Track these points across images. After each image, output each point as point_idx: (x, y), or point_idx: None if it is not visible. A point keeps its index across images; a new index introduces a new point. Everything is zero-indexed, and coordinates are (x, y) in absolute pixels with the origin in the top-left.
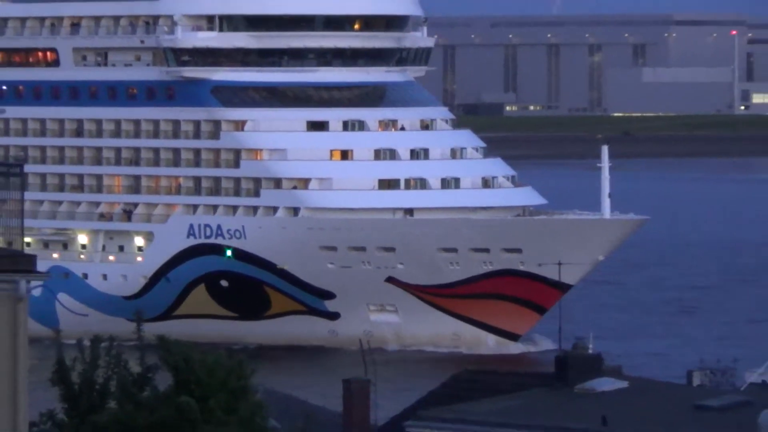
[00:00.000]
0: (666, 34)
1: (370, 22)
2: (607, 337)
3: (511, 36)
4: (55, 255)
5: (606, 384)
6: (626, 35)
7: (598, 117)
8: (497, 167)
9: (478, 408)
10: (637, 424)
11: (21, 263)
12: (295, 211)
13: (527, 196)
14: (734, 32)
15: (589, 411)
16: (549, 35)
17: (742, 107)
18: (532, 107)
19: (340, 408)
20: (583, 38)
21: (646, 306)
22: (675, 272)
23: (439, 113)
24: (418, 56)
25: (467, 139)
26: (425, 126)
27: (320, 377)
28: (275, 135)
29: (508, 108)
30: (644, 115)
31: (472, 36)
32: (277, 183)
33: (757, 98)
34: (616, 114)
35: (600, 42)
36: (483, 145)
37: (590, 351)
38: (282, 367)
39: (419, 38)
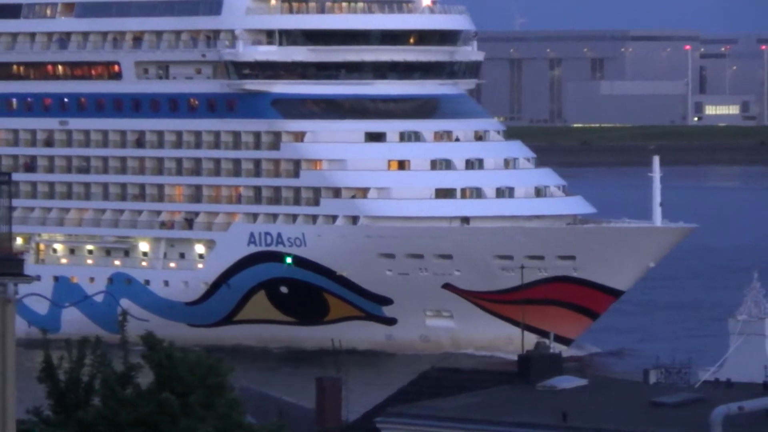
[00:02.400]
0: (623, 49)
1: (425, 37)
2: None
3: None
4: (116, 262)
5: (566, 381)
6: (585, 50)
7: (558, 128)
8: (549, 177)
9: (444, 404)
10: (596, 419)
11: (9, 267)
12: (354, 219)
13: (578, 205)
14: (688, 47)
15: (549, 407)
16: (511, 50)
17: (696, 118)
18: (495, 118)
19: (313, 405)
20: (544, 53)
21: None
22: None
23: (491, 125)
24: (469, 69)
25: (519, 149)
26: (479, 137)
27: (294, 376)
28: (334, 146)
29: None
30: (602, 125)
31: None
32: (336, 192)
33: (710, 110)
34: (575, 125)
35: (560, 56)
36: (533, 155)
37: (551, 350)
38: (258, 366)
39: (470, 52)
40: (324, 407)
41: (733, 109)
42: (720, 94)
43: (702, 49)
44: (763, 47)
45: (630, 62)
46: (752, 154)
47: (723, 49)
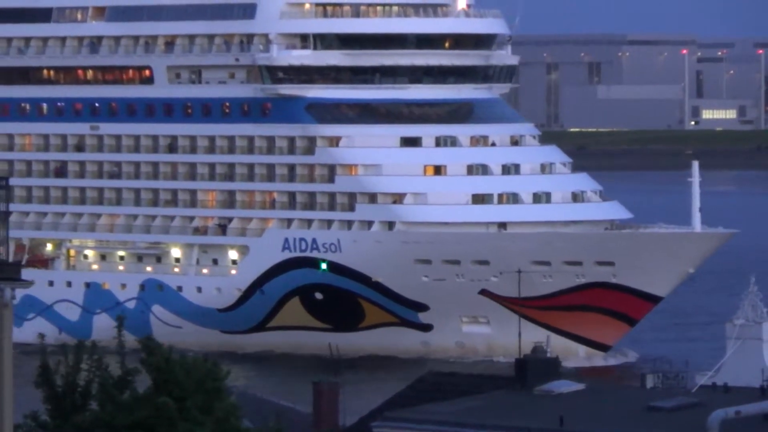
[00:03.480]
0: (619, 54)
1: (460, 41)
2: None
3: None
4: (148, 268)
5: (563, 386)
6: (582, 55)
7: (555, 132)
8: (585, 182)
9: (441, 409)
10: (593, 424)
11: (6, 271)
12: (390, 225)
13: (615, 210)
14: (684, 51)
15: (546, 412)
16: None
17: (693, 123)
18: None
19: (310, 409)
20: (541, 57)
21: None
22: None
23: (526, 129)
24: (504, 74)
25: (555, 154)
26: (514, 142)
27: (292, 380)
28: (370, 151)
29: None
30: (599, 130)
31: None
32: (372, 197)
33: (707, 114)
34: (572, 129)
35: (557, 61)
36: (569, 160)
37: (548, 354)
38: (256, 370)
39: (505, 56)
40: (321, 411)
41: (730, 114)
42: (717, 98)
43: (699, 54)
44: (760, 51)
45: (627, 66)
46: (749, 158)
47: (720, 53)
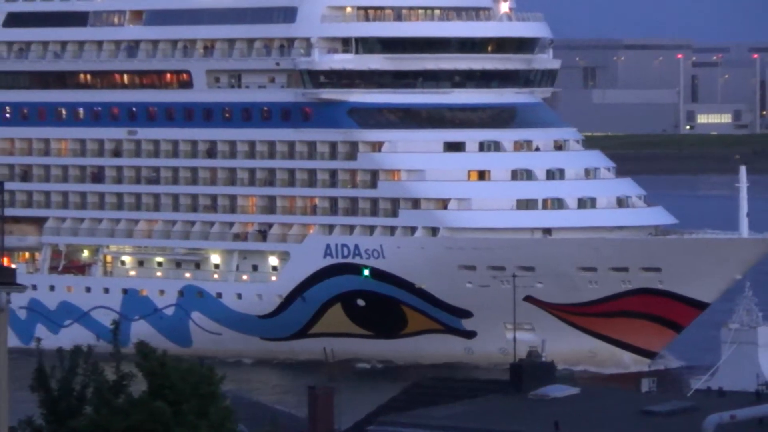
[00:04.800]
0: (615, 58)
1: (503, 45)
2: None
3: None
4: (187, 274)
5: (558, 390)
6: (577, 59)
7: None
8: (629, 187)
9: (436, 413)
10: (588, 428)
11: (0, 275)
12: (434, 230)
13: (660, 216)
14: (680, 56)
15: (541, 416)
16: None
17: (688, 127)
18: None
19: (306, 414)
20: None
21: None
22: None
23: (570, 134)
24: (545, 78)
25: (599, 159)
26: (558, 146)
27: (287, 385)
28: (413, 156)
29: None
30: (594, 134)
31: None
32: (416, 203)
33: (702, 118)
34: None
35: None
36: (613, 165)
37: (543, 359)
38: (250, 375)
39: (547, 60)
40: (316, 416)
41: (725, 118)
42: (712, 102)
43: (694, 58)
44: (755, 56)
45: (622, 71)
46: (744, 162)
47: (715, 57)
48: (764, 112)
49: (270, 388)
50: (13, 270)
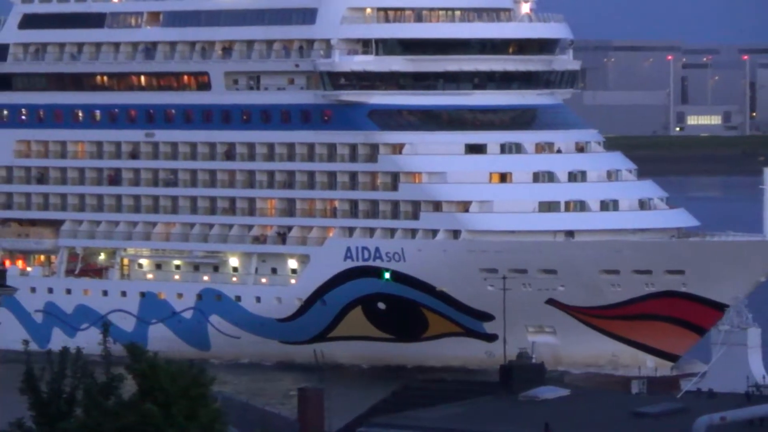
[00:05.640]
0: (605, 60)
1: (525, 46)
2: None
3: None
4: (205, 277)
5: (548, 392)
6: None
7: None
8: (651, 189)
9: (426, 415)
10: (578, 429)
11: None
12: (456, 233)
13: (682, 218)
14: (670, 57)
15: (532, 417)
16: None
17: (678, 128)
18: None
19: (296, 415)
20: None
21: None
22: None
23: (591, 136)
24: (566, 79)
25: (620, 161)
26: (580, 148)
27: (278, 386)
28: (434, 158)
29: None
30: None
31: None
32: (437, 206)
33: (692, 120)
34: None
35: None
36: (635, 167)
37: (533, 361)
38: (241, 376)
39: (567, 61)
40: (306, 417)
41: (715, 120)
42: (702, 104)
43: (684, 60)
44: (745, 57)
45: (612, 72)
46: (734, 164)
47: (705, 59)
48: (754, 114)
49: (260, 389)
50: (3, 272)
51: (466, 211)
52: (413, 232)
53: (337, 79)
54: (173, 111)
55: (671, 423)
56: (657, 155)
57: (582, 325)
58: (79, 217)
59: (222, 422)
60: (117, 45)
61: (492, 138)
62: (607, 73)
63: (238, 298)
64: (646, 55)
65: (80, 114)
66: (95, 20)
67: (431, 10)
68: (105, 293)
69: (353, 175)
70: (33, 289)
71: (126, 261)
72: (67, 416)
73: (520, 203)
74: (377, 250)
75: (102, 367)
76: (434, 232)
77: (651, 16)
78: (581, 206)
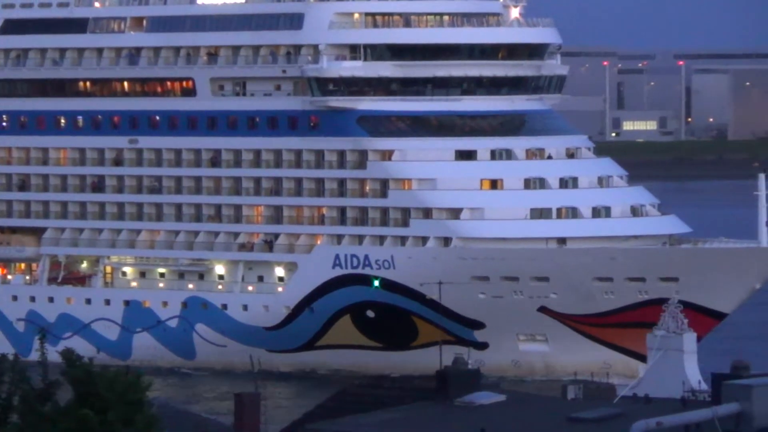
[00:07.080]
0: None
1: (514, 51)
2: None
3: None
4: (190, 285)
5: (484, 397)
6: None
7: None
8: (643, 195)
9: (362, 420)
10: None
11: None
12: (446, 240)
13: (674, 225)
14: (605, 63)
15: (467, 423)
16: None
17: (614, 134)
18: None
19: (232, 420)
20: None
21: None
22: None
23: (581, 141)
24: (554, 84)
25: (611, 167)
26: (570, 154)
27: (213, 391)
28: (424, 164)
29: None
30: None
31: None
32: (427, 213)
33: (627, 125)
34: None
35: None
36: (626, 173)
37: (469, 366)
38: (177, 382)
39: (555, 66)
40: (242, 423)
41: (651, 125)
42: (638, 109)
43: (619, 65)
44: (681, 63)
45: None
46: (670, 169)
47: (640, 65)
48: (689, 119)
49: (196, 395)
50: None
51: (457, 218)
52: (403, 240)
53: (325, 85)
54: (158, 117)
55: (607, 428)
56: None
57: (574, 333)
58: (61, 224)
59: (158, 428)
60: (100, 50)
61: (482, 144)
62: None
63: (225, 306)
64: (582, 60)
65: (63, 120)
66: (78, 26)
67: (420, 15)
68: (88, 301)
69: (342, 182)
70: (15, 298)
71: (110, 269)
72: (3, 423)
73: (512, 210)
74: (366, 257)
75: (39, 374)
76: (424, 240)
77: (586, 22)
78: (573, 213)
